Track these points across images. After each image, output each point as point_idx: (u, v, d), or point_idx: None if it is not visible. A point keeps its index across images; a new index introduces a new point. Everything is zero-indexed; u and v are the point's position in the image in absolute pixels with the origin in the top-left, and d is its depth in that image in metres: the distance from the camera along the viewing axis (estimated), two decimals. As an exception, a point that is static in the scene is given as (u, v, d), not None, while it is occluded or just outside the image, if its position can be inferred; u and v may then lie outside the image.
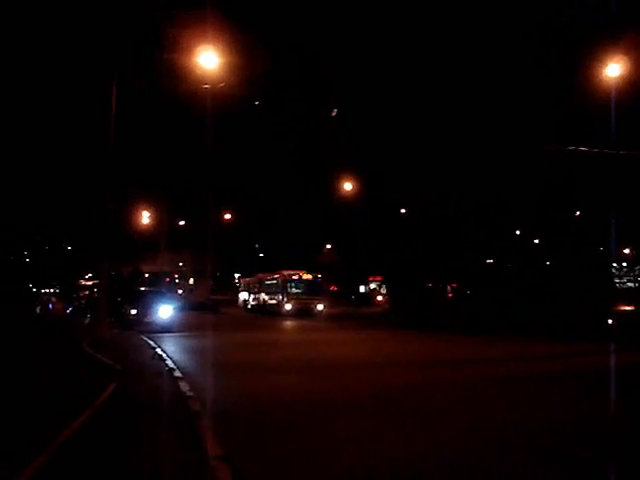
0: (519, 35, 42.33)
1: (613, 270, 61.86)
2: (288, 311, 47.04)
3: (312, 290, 48.27)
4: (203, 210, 56.02)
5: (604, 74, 23.63)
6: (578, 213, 58.61)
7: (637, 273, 73.80)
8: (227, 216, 62.11)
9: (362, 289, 77.97)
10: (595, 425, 9.20)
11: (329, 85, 47.12)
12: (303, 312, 46.04)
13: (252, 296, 59.63)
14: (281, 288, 48.78)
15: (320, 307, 47.68)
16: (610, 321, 28.43)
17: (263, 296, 54.58)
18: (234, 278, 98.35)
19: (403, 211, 60.44)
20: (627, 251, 70.02)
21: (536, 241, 68.06)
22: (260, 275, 57.85)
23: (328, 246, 78.01)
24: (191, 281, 70.85)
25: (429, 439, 8.26)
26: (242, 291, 66.31)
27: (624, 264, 74.64)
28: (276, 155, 58.40)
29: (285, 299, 47.99)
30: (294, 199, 63.94)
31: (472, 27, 45.87)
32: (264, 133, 54.33)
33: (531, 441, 8.11)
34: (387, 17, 48.42)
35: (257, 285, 57.94)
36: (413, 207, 58.78)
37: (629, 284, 67.56)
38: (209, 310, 51.88)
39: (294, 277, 48.84)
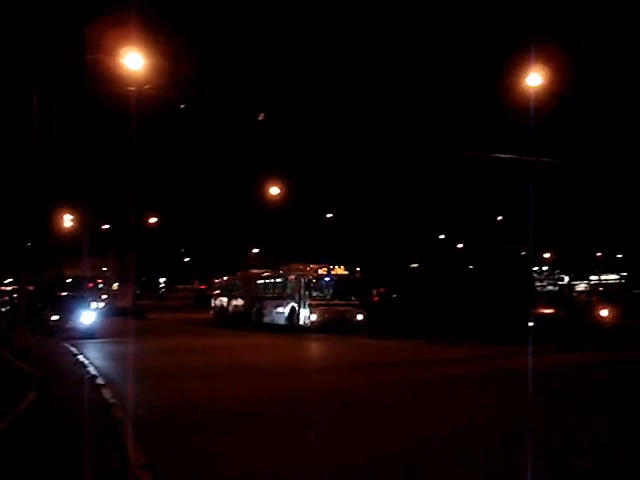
0: (442, 42, 43.16)
1: (534, 274, 63.44)
2: (313, 324, 32.57)
3: (348, 292, 33.82)
4: (127, 214, 55.14)
5: (524, 83, 24.26)
6: (500, 218, 60.00)
7: (557, 277, 75.93)
8: (152, 220, 61.33)
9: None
10: (515, 428, 9.39)
11: (256, 89, 47.06)
12: (336, 325, 32.00)
13: (235, 303, 44.45)
14: (299, 290, 34.09)
15: (360, 317, 33.28)
16: (531, 323, 29.13)
17: (261, 303, 39.32)
18: (159, 283, 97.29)
19: (329, 215, 60.77)
20: (547, 255, 72.15)
21: (460, 245, 69.49)
22: (253, 272, 43.60)
23: (255, 250, 77.77)
24: (115, 286, 69.54)
25: (366, 442, 8.32)
26: (217, 296, 49.84)
27: (545, 268, 76.77)
28: (202, 159, 57.94)
29: (307, 307, 33.12)
30: (220, 203, 63.55)
31: (398, 33, 46.50)
32: (191, 136, 53.87)
33: (457, 443, 8.25)
34: (312, 21, 48.69)
35: (246, 286, 42.69)
36: (339, 212, 59.17)
37: (549, 287, 69.43)
38: (134, 316, 51.01)
39: (321, 272, 34.08)
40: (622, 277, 64.33)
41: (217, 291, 50.68)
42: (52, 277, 57.24)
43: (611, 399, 11.58)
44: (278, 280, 37.80)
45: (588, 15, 38.43)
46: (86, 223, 51.27)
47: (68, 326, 29.54)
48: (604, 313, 32.45)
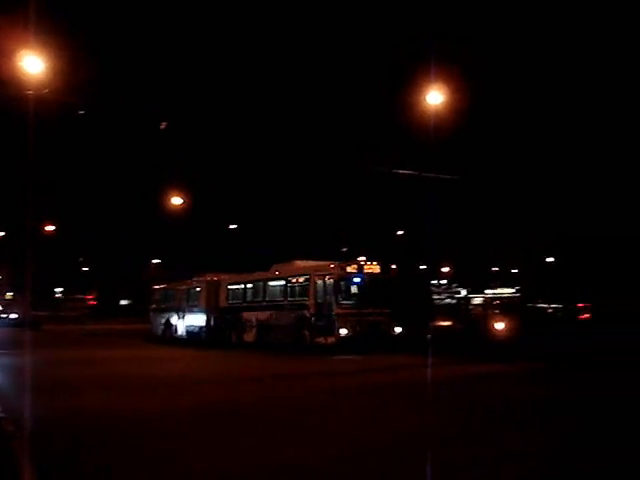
0: (348, 57, 43.86)
1: (433, 287, 64.86)
2: (341, 339, 24.56)
3: (383, 296, 26.16)
4: (23, 221, 53.40)
5: (425, 101, 24.83)
6: (401, 232, 61.19)
7: (454, 290, 77.78)
8: (49, 228, 59.62)
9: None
10: (413, 439, 9.52)
11: (159, 97, 46.58)
12: (369, 340, 24.87)
13: (192, 316, 34.34)
14: (314, 295, 26.14)
15: (398, 329, 26.44)
16: (429, 335, 29.64)
17: (242, 315, 30.60)
18: (55, 293, 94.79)
19: (233, 226, 60.53)
20: (446, 269, 74.06)
21: (362, 258, 70.33)
22: (222, 276, 34.14)
23: (155, 261, 76.74)
24: (9, 295, 67.28)
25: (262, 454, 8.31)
26: (160, 308, 38.85)
27: (443, 281, 78.62)
28: (103, 166, 56.90)
29: (334, 317, 24.84)
30: (120, 212, 62.52)
31: (304, 47, 46.96)
32: (90, 143, 52.81)
33: (359, 456, 8.32)
34: (215, 27, 48.64)
35: (211, 294, 33.14)
36: (242, 223, 59.07)
37: (447, 300, 71.03)
38: (29, 326, 49.40)
39: (350, 270, 25.92)
40: (517, 291, 66.32)
41: (158, 301, 39.70)
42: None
43: (505, 410, 11.87)
44: (274, 283, 29.51)
45: (489, 35, 39.76)
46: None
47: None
48: (499, 326, 33.29)
